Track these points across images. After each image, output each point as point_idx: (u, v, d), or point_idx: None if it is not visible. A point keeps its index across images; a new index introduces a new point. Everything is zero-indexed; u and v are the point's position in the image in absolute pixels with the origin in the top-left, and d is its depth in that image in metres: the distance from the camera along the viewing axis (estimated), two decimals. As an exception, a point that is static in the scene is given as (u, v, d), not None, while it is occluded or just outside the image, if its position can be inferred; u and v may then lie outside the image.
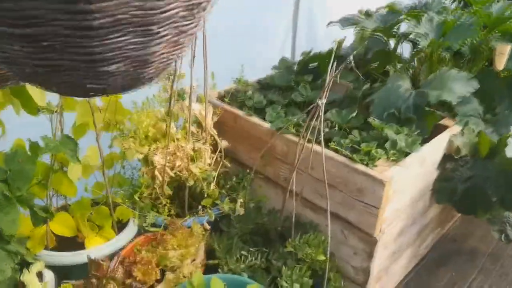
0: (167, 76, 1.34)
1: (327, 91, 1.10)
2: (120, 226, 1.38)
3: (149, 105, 1.40)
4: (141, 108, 1.37)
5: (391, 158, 1.18)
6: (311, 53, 1.77)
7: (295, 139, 1.28)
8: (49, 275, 1.21)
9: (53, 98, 1.17)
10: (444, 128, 1.37)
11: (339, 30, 1.72)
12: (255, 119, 1.39)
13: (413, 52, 1.74)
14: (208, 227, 1.35)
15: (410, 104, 1.35)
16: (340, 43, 1.76)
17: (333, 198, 1.24)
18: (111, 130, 1.33)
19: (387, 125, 1.29)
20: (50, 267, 1.23)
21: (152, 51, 0.47)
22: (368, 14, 1.61)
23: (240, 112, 1.42)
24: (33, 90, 1.04)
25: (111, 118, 1.25)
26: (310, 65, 1.79)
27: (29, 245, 1.24)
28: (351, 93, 1.53)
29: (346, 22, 1.56)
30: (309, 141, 1.21)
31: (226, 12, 1.77)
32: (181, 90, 1.37)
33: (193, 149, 1.35)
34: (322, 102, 1.10)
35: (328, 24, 1.63)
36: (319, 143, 1.30)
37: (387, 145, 1.21)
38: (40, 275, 1.19)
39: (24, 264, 1.18)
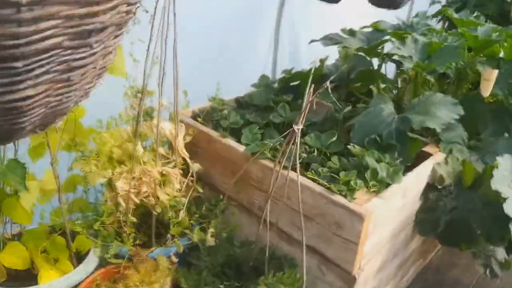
0: (134, 93, 1.24)
1: (303, 116, 1.01)
2: (80, 257, 1.26)
3: (115, 124, 1.30)
4: (106, 127, 1.27)
5: (372, 190, 1.10)
6: (293, 71, 1.70)
7: (271, 165, 1.19)
8: (-6, 314, 1.09)
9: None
10: (428, 155, 1.31)
11: (323, 47, 1.66)
12: (230, 141, 1.30)
13: (397, 72, 1.68)
14: (175, 260, 1.24)
15: (393, 130, 1.28)
16: (322, 62, 1.69)
17: (310, 231, 1.15)
18: (71, 151, 1.22)
19: (367, 152, 1.21)
20: (-3, 304, 1.11)
21: (24, 95, 0.36)
22: (351, 33, 1.54)
23: (213, 133, 1.33)
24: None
25: (70, 139, 1.15)
26: (292, 83, 1.71)
27: (-26, 279, 1.12)
28: (331, 115, 1.46)
29: (329, 40, 1.50)
30: (285, 167, 1.13)
31: (205, 29, 1.71)
32: (150, 108, 1.28)
33: (161, 173, 1.25)
34: (298, 128, 1.01)
35: (310, 42, 1.56)
36: (294, 169, 1.22)
37: (367, 174, 1.13)
38: (-17, 314, 1.08)
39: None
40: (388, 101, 1.39)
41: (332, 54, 1.85)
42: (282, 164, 1.08)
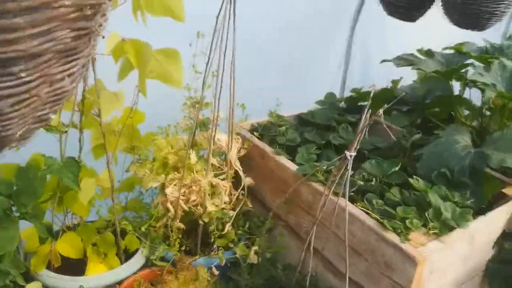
0: (193, 104, 1.26)
1: (357, 142, 0.94)
2: (128, 255, 1.30)
3: (174, 131, 1.33)
4: (164, 133, 1.31)
5: (432, 231, 0.98)
6: (362, 90, 1.61)
7: (322, 188, 1.12)
8: (44, 298, 1.16)
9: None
10: (505, 197, 1.14)
11: (400, 68, 1.54)
12: (283, 159, 1.25)
13: (483, 100, 1.51)
14: (216, 272, 1.23)
15: (466, 165, 1.14)
16: (395, 83, 1.58)
17: (357, 267, 1.06)
18: (130, 154, 1.27)
19: (433, 187, 1.09)
20: (48, 288, 1.18)
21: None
22: (429, 54, 1.41)
23: (268, 149, 1.30)
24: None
25: (127, 143, 1.19)
26: (360, 104, 1.62)
27: (33, 261, 1.20)
28: (399, 141, 1.34)
29: (402, 60, 1.39)
30: (335, 194, 1.05)
31: (272, 42, 1.69)
32: (207, 119, 1.28)
33: (211, 184, 1.24)
34: (350, 154, 0.94)
35: (381, 61, 1.46)
36: (348, 197, 1.14)
37: (429, 213, 1.01)
38: (35, 296, 1.15)
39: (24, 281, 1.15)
40: (464, 132, 1.24)
41: (411, 75, 1.72)
42: (331, 190, 1.01)
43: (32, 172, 1.11)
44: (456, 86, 1.53)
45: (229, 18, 1.08)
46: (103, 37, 0.46)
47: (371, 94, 0.95)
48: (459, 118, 1.49)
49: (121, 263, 1.26)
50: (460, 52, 1.42)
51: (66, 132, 1.06)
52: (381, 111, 0.83)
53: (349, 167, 0.95)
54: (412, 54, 1.41)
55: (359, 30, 1.76)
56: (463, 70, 1.41)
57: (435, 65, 1.38)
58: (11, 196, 1.07)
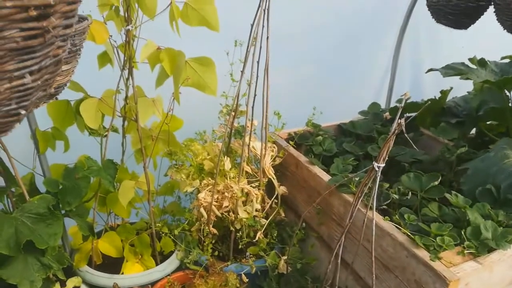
0: (229, 112, 1.28)
1: (386, 152, 0.90)
2: (163, 256, 1.34)
3: (212, 138, 1.36)
4: (201, 140, 1.34)
5: (468, 251, 0.91)
6: (409, 101, 1.53)
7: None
8: (84, 292, 1.23)
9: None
10: None
11: (455, 78, 1.46)
12: (316, 169, 1.23)
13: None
14: (246, 279, 1.23)
15: (515, 183, 1.04)
16: (444, 94, 1.49)
17: (387, 283, 1.01)
18: (168, 158, 1.32)
19: (475, 204, 1.01)
20: (89, 284, 1.25)
21: None
22: (482, 63, 1.32)
23: (302, 158, 1.28)
24: (87, 113, 1.08)
25: (164, 148, 1.24)
26: (406, 115, 1.55)
27: (76, 258, 1.29)
28: (443, 154, 1.26)
29: (450, 70, 1.31)
30: (366, 206, 1.02)
31: (320, 52, 1.67)
32: (242, 127, 1.30)
33: (243, 191, 1.25)
34: (378, 165, 0.90)
35: (428, 70, 1.39)
36: (381, 210, 1.10)
37: (466, 232, 0.94)
38: (76, 290, 1.22)
39: (68, 276, 1.22)
40: (517, 147, 1.14)
41: (466, 85, 1.62)
42: (359, 202, 0.98)
43: (78, 172, 1.19)
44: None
45: (263, 27, 1.09)
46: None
47: (403, 103, 0.91)
48: (514, 132, 1.37)
49: (156, 264, 1.31)
50: (516, 60, 1.31)
51: (106, 136, 1.13)
52: (402, 121, 0.79)
53: (377, 178, 0.91)
54: (462, 63, 1.33)
55: (409, 35, 1.68)
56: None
57: (488, 75, 1.28)
58: (57, 195, 1.16)
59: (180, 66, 1.03)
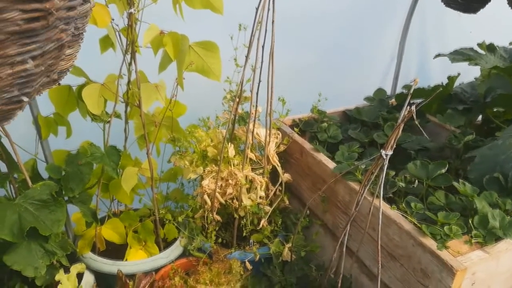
0: (233, 97, 1.26)
1: (394, 140, 0.88)
2: (167, 243, 1.34)
3: (215, 124, 1.35)
4: (205, 126, 1.32)
5: (474, 240, 0.90)
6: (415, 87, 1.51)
7: (359, 188, 1.07)
8: (88, 278, 1.23)
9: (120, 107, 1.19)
10: None
11: (462, 64, 1.43)
12: (321, 156, 1.21)
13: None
14: (250, 267, 1.23)
15: (523, 171, 1.03)
16: (451, 80, 1.47)
17: (392, 272, 1.00)
18: (172, 145, 1.30)
19: (482, 193, 1.00)
20: (92, 270, 1.25)
21: None
22: (491, 48, 1.29)
23: (307, 145, 1.27)
24: (89, 98, 1.06)
25: (168, 134, 1.22)
26: (412, 101, 1.53)
27: (79, 244, 1.28)
28: (450, 142, 1.25)
29: (459, 55, 1.28)
30: (372, 194, 1.00)
31: (325, 37, 1.64)
32: (246, 113, 1.28)
33: (247, 178, 1.24)
34: (386, 153, 0.88)
35: (435, 56, 1.36)
36: (387, 198, 1.09)
37: (474, 220, 0.93)
38: (80, 277, 1.22)
39: (72, 262, 1.22)
40: (526, 134, 1.12)
41: (474, 71, 1.59)
42: (366, 190, 0.96)
43: (80, 158, 1.18)
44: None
45: (268, 10, 1.06)
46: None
47: (411, 90, 0.88)
48: (524, 120, 1.35)
49: (160, 251, 1.30)
50: (526, 46, 1.28)
51: (109, 121, 1.11)
52: (413, 108, 0.77)
53: (385, 166, 0.90)
54: (471, 49, 1.30)
55: (416, 20, 1.64)
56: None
57: (497, 61, 1.26)
58: (60, 181, 1.15)
59: (184, 50, 1.01)
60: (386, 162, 0.90)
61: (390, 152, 0.89)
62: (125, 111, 1.21)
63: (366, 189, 0.97)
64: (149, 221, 1.29)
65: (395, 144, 0.89)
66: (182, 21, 1.04)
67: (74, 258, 1.26)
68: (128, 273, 1.22)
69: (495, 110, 1.49)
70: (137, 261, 1.26)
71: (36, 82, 0.42)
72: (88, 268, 1.25)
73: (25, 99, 0.43)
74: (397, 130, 0.86)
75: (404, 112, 0.85)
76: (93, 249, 1.30)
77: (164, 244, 1.33)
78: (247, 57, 1.10)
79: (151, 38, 0.98)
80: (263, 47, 1.07)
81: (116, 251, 1.31)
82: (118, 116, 1.17)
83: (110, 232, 1.30)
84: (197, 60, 1.07)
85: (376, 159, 0.91)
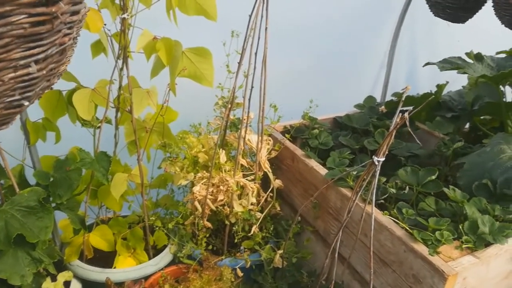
0: (225, 104, 1.26)
1: (386, 146, 0.89)
2: (157, 250, 1.32)
3: (207, 130, 1.34)
4: (196, 132, 1.32)
5: (465, 245, 0.91)
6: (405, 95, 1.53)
7: (351, 194, 1.08)
8: (75, 286, 1.20)
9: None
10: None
11: (450, 72, 1.45)
12: (313, 162, 1.22)
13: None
14: (241, 274, 1.22)
15: (511, 177, 1.04)
16: (440, 88, 1.49)
17: (384, 278, 1.01)
18: (162, 151, 1.29)
19: (472, 199, 1.01)
20: (80, 279, 1.23)
21: None
22: (478, 57, 1.32)
23: (298, 151, 1.27)
24: (80, 103, 1.04)
25: (158, 140, 1.21)
26: (402, 109, 1.54)
27: (67, 252, 1.26)
28: (439, 149, 1.26)
29: (447, 64, 1.31)
30: (364, 201, 1.01)
31: (312, 41, 1.66)
32: (238, 120, 1.28)
33: (238, 185, 1.24)
34: (378, 160, 0.89)
35: (425, 64, 1.39)
36: (378, 204, 1.09)
37: (464, 226, 0.94)
38: (68, 285, 1.20)
39: (59, 270, 1.20)
40: (512, 142, 1.15)
41: (462, 80, 1.62)
42: (358, 196, 0.97)
43: (69, 164, 1.16)
44: (508, 93, 1.42)
45: (262, 17, 1.07)
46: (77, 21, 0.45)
47: (403, 97, 0.90)
48: (508, 126, 1.38)
49: (149, 258, 1.29)
50: (512, 55, 1.32)
51: (99, 127, 1.10)
52: (406, 115, 0.78)
53: (377, 173, 0.90)
54: (459, 58, 1.33)
55: (405, 29, 1.67)
56: (515, 76, 1.30)
57: (484, 70, 1.28)
58: (48, 187, 1.13)
59: (177, 56, 1.00)
60: (379, 168, 0.90)
61: (382, 159, 0.90)
62: (116, 117, 1.20)
63: (358, 195, 0.98)
64: (138, 228, 1.27)
65: (387, 151, 0.90)
66: (174, 26, 1.04)
67: (61, 266, 1.24)
68: (117, 281, 1.20)
69: (482, 118, 1.52)
70: (126, 268, 1.24)
71: (38, 86, 0.42)
72: (76, 276, 1.22)
73: (26, 103, 0.42)
74: (389, 136, 0.87)
75: (396, 119, 0.87)
76: (81, 257, 1.27)
77: (154, 251, 1.32)
78: (239, 63, 1.10)
79: (144, 44, 0.97)
80: (256, 53, 1.07)
81: (104, 259, 1.28)
82: (108, 121, 1.16)
83: (98, 239, 1.27)
84: (190, 66, 1.06)
85: (368, 165, 0.92)
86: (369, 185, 0.96)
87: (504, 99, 1.36)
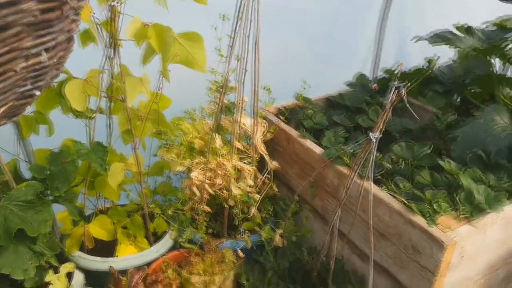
0: (218, 88, 1.25)
1: (383, 123, 0.90)
2: (157, 237, 1.33)
3: (201, 116, 1.34)
4: (190, 118, 1.31)
5: (462, 215, 0.93)
6: (395, 70, 1.54)
7: (348, 172, 1.09)
8: (78, 277, 1.21)
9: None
10: (550, 182, 1.06)
11: (439, 46, 1.46)
12: (308, 143, 1.23)
13: (527, 78, 1.41)
14: (242, 255, 1.23)
15: (504, 147, 1.07)
16: (431, 63, 1.50)
17: (384, 250, 1.03)
18: (158, 139, 1.29)
19: (467, 170, 1.03)
20: (82, 269, 1.23)
21: None
22: (469, 31, 1.33)
23: (293, 133, 1.27)
24: (72, 94, 1.03)
25: (153, 128, 1.21)
26: (396, 84, 1.55)
27: (67, 244, 1.26)
28: (432, 123, 1.28)
29: (438, 38, 1.31)
30: (361, 177, 1.02)
31: (302, 21, 1.65)
32: (232, 104, 1.27)
33: (236, 168, 1.24)
34: (375, 136, 0.90)
35: (416, 39, 1.39)
36: (374, 180, 1.11)
37: (460, 196, 0.96)
38: (70, 276, 1.20)
39: (60, 262, 1.20)
40: (504, 112, 1.16)
41: (451, 53, 1.62)
42: (356, 173, 0.98)
43: (64, 157, 1.15)
44: (498, 64, 1.43)
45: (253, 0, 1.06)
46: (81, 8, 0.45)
47: (399, 73, 0.90)
48: (499, 98, 1.39)
49: (150, 245, 1.30)
50: (503, 27, 1.32)
51: (93, 117, 1.09)
52: (404, 90, 0.78)
53: (374, 149, 0.92)
54: (449, 31, 1.33)
55: (394, 6, 1.66)
56: (504, 47, 1.31)
57: (475, 43, 1.29)
58: (45, 180, 1.12)
59: (168, 42, 0.99)
60: (376, 144, 0.91)
61: (378, 135, 0.91)
62: (108, 106, 1.19)
63: (355, 172, 0.99)
64: (138, 216, 1.28)
65: (383, 127, 0.91)
66: (163, 12, 1.03)
67: (62, 258, 1.24)
68: (119, 269, 1.21)
69: (473, 90, 1.54)
70: (128, 256, 1.25)
71: (48, 75, 0.41)
72: (78, 267, 1.23)
73: (38, 93, 0.41)
74: (386, 114, 0.87)
75: (392, 95, 0.87)
76: (82, 248, 1.28)
77: (154, 238, 1.33)
78: (232, 47, 1.10)
79: (134, 31, 0.96)
80: (248, 36, 1.07)
81: (105, 248, 1.29)
82: (101, 111, 1.15)
83: (98, 229, 1.28)
84: (182, 51, 1.05)
85: (366, 142, 0.93)
86: (365, 162, 0.97)
87: (495, 71, 1.37)
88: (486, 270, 1.03)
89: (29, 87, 0.40)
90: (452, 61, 1.66)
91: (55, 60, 0.41)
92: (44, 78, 0.41)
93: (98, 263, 1.22)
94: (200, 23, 1.11)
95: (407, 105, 0.77)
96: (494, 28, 1.38)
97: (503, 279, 1.10)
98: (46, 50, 0.38)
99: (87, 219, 1.27)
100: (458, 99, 1.55)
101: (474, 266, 0.98)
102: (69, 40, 0.42)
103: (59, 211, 1.30)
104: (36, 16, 0.36)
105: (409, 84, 0.81)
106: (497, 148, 1.08)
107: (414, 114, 0.88)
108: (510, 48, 1.26)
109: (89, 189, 1.27)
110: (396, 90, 0.89)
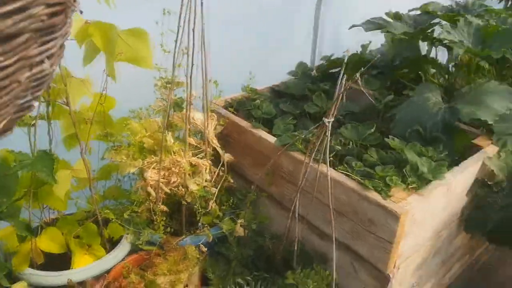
0: (165, 84, 1.23)
1: (335, 108, 0.95)
2: (113, 243, 1.29)
3: (147, 114, 1.30)
4: (137, 117, 1.28)
5: (410, 186, 1.01)
6: (333, 58, 1.61)
7: (302, 157, 1.13)
8: (32, 295, 1.14)
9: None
10: (477, 148, 1.19)
11: (369, 33, 1.55)
12: (260, 132, 1.25)
13: (449, 58, 1.55)
14: (205, 249, 1.23)
15: (438, 121, 1.17)
16: (364, 47, 1.59)
17: (342, 227, 1.09)
18: (104, 141, 1.24)
19: (408, 145, 1.12)
20: (35, 286, 1.16)
21: None
22: (397, 16, 1.43)
23: (244, 124, 1.29)
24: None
25: (100, 130, 1.16)
26: (331, 71, 1.63)
27: (15, 261, 1.17)
28: (371, 104, 1.36)
29: (371, 25, 1.40)
30: (316, 161, 1.07)
31: (239, 16, 1.66)
32: (180, 99, 1.26)
33: (191, 164, 1.23)
34: (328, 121, 0.95)
35: (350, 27, 1.47)
36: (329, 163, 1.16)
37: (406, 169, 1.04)
38: (23, 295, 1.12)
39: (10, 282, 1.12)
40: (434, 90, 1.27)
41: (380, 39, 1.73)
42: (312, 157, 1.02)
43: (3, 169, 1.06)
44: (423, 46, 1.56)
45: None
46: (81, 12, 0.43)
47: (345, 60, 0.95)
48: (427, 77, 1.52)
49: (107, 252, 1.25)
50: (426, 12, 1.44)
51: (34, 124, 1.02)
52: (358, 75, 0.83)
53: (328, 133, 0.96)
54: (381, 18, 1.42)
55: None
56: (430, 30, 1.43)
57: (404, 27, 1.39)
58: (-16, 196, 1.03)
59: (113, 40, 0.95)
60: (329, 128, 0.96)
61: (332, 119, 0.95)
62: (47, 111, 1.12)
63: (311, 157, 1.03)
64: (91, 224, 1.22)
65: (335, 112, 0.96)
66: (103, 9, 0.98)
67: (10, 277, 1.15)
68: (77, 280, 1.15)
69: (402, 71, 1.66)
70: (85, 267, 1.19)
71: (46, 83, 0.38)
72: (31, 284, 1.15)
73: (35, 103, 0.38)
74: (338, 100, 0.92)
75: (342, 80, 0.92)
76: (31, 264, 1.20)
77: (110, 244, 1.28)
78: (176, 41, 1.08)
79: (77, 30, 0.91)
80: (193, 29, 1.06)
81: (55, 263, 1.22)
82: (42, 117, 1.08)
83: (48, 242, 1.20)
84: (126, 48, 1.01)
85: (320, 127, 0.97)
86: (319, 146, 1.02)
87: (422, 54, 1.49)
88: (433, 234, 1.13)
89: (29, 98, 0.37)
90: (381, 45, 1.77)
91: (54, 67, 0.38)
92: (43, 88, 0.38)
93: (53, 278, 1.15)
94: (145, 19, 1.08)
95: (362, 89, 0.82)
96: (419, 13, 1.50)
97: (445, 239, 1.22)
98: (49, 57, 0.36)
99: (34, 233, 1.19)
100: (389, 82, 1.67)
101: (423, 231, 1.07)
102: (62, 45, 0.39)
103: (0, 228, 1.21)
104: (43, 21, 0.33)
105: (362, 70, 0.85)
106: (431, 122, 1.18)
107: (370, 97, 0.94)
108: (436, 33, 1.37)
109: (33, 201, 1.19)
110: (345, 77, 0.94)
